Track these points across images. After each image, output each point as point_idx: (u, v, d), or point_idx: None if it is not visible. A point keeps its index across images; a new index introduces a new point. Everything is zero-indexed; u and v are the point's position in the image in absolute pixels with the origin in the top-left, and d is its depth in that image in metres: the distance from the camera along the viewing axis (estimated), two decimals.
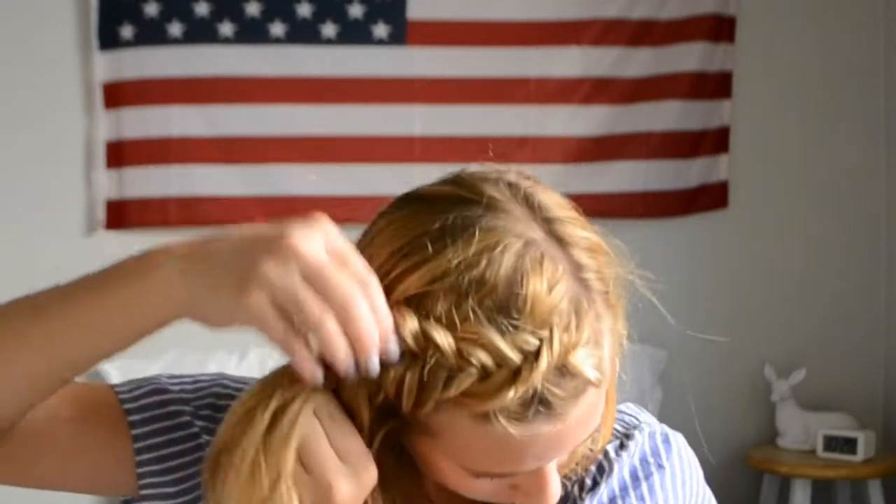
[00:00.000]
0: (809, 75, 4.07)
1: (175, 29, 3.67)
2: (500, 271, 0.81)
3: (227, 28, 3.70)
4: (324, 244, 0.80)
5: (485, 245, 0.82)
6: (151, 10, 3.65)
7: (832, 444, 3.72)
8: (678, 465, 0.96)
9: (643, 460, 0.95)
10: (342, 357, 0.79)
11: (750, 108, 4.02)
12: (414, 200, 0.89)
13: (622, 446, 0.96)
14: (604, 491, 0.93)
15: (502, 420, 0.80)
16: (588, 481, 0.94)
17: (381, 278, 0.82)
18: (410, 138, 3.78)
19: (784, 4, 4.07)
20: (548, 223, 0.86)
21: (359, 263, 0.81)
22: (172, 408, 0.98)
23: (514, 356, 0.79)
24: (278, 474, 0.81)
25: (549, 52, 3.85)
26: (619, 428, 0.97)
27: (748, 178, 4.03)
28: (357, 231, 0.93)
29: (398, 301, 0.82)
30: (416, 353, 0.81)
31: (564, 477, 0.94)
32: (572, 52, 3.87)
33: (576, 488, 0.95)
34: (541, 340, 0.80)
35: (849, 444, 3.69)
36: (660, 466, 0.95)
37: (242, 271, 0.79)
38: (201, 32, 3.68)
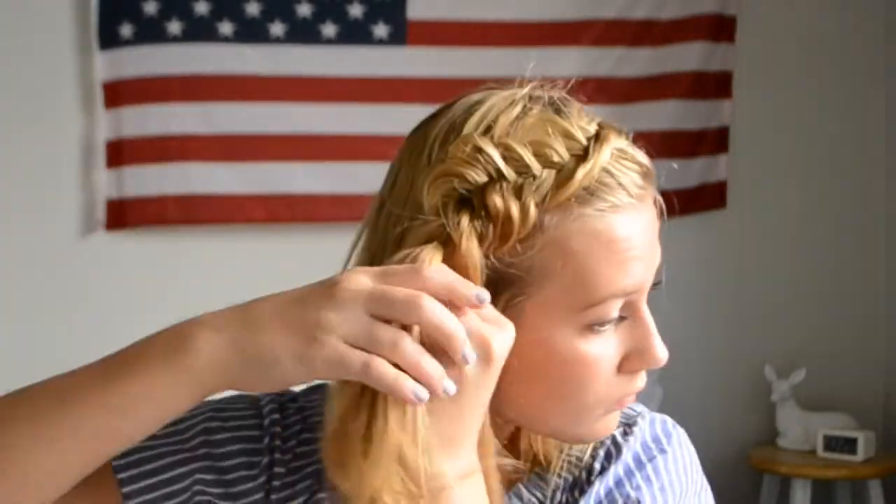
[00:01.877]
0: (809, 75, 4.07)
1: (174, 27, 3.66)
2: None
3: (226, 27, 3.69)
4: (369, 276, 0.81)
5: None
6: (151, 8, 3.65)
7: (832, 444, 3.72)
8: (679, 451, 0.99)
9: (645, 445, 0.99)
10: (429, 371, 0.79)
11: (750, 108, 4.02)
12: None
13: (626, 433, 1.00)
14: (611, 475, 0.97)
15: (596, 208, 0.89)
16: (597, 465, 0.99)
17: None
18: None
19: (784, 4, 4.07)
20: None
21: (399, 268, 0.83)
22: (169, 459, 0.95)
23: (582, 138, 0.92)
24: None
25: (549, 52, 3.85)
26: (622, 418, 1.00)
27: (747, 178, 4.03)
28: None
29: (480, 139, 0.91)
30: (497, 178, 0.88)
31: (572, 465, 0.99)
32: (572, 53, 3.87)
33: (584, 474, 0.99)
34: (597, 126, 0.95)
35: (849, 444, 3.69)
36: (662, 450, 0.98)
37: (304, 325, 0.79)
38: (201, 31, 3.68)
